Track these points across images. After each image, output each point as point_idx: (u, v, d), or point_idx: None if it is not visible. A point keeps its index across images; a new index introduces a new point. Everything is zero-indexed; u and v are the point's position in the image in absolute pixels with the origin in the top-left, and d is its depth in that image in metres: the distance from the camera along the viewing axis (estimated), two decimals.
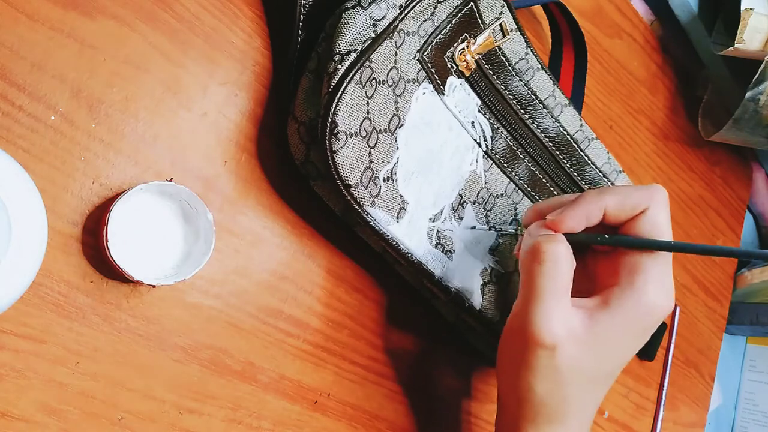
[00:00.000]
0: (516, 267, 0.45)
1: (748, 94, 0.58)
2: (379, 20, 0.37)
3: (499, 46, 0.43)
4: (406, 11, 0.38)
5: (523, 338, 0.36)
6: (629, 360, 0.38)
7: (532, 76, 0.45)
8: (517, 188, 0.45)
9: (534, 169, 0.45)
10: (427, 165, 0.40)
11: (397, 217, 0.38)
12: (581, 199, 0.37)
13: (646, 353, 0.61)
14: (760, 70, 0.57)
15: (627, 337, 0.36)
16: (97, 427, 0.34)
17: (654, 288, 0.36)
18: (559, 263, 0.36)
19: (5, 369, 0.32)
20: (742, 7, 0.56)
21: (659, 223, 0.37)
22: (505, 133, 0.44)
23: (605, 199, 0.37)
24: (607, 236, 0.37)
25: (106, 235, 0.32)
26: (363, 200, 0.37)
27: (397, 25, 0.37)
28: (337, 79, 0.35)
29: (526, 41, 0.45)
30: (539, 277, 0.35)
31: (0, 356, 0.31)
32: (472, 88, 0.42)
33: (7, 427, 0.31)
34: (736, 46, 0.57)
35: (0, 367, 0.31)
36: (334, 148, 0.35)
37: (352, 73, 0.35)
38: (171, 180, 0.36)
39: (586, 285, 0.39)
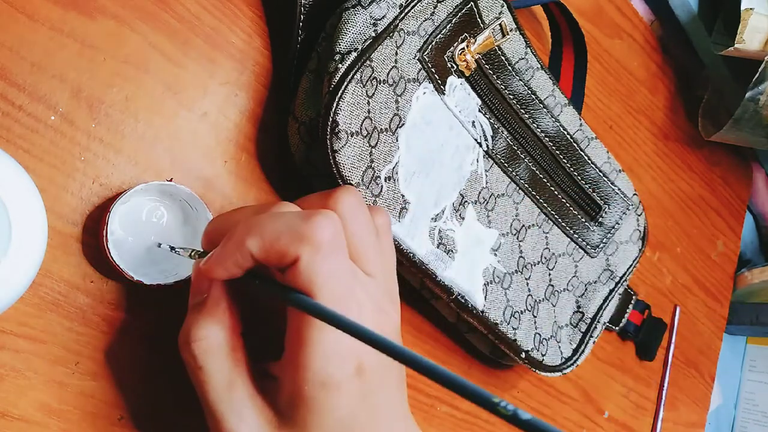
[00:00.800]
0: (519, 267, 0.45)
1: (748, 94, 0.58)
2: (380, 20, 0.37)
3: (499, 46, 0.43)
4: (407, 11, 0.38)
5: None
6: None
7: (532, 76, 0.45)
8: (518, 188, 0.45)
9: (534, 168, 0.45)
10: (428, 165, 0.40)
11: (399, 217, 0.38)
12: (226, 245, 0.29)
13: (646, 353, 0.61)
14: (760, 70, 0.57)
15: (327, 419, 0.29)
16: (97, 427, 0.34)
17: (324, 361, 0.28)
18: (215, 363, 0.29)
19: (5, 369, 0.31)
20: (742, 7, 0.56)
21: (312, 279, 0.28)
22: (506, 132, 0.44)
23: (248, 244, 0.29)
24: (258, 282, 0.30)
25: (106, 235, 0.32)
26: (364, 200, 0.37)
27: (398, 25, 0.37)
28: (337, 78, 0.35)
29: (525, 41, 0.45)
30: (206, 391, 0.30)
31: (0, 356, 0.31)
32: (473, 87, 0.42)
33: (7, 427, 0.31)
34: (736, 46, 0.57)
35: (0, 367, 0.31)
36: (335, 148, 0.35)
37: (353, 72, 0.35)
38: (171, 180, 0.36)
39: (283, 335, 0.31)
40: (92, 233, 0.34)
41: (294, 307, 0.28)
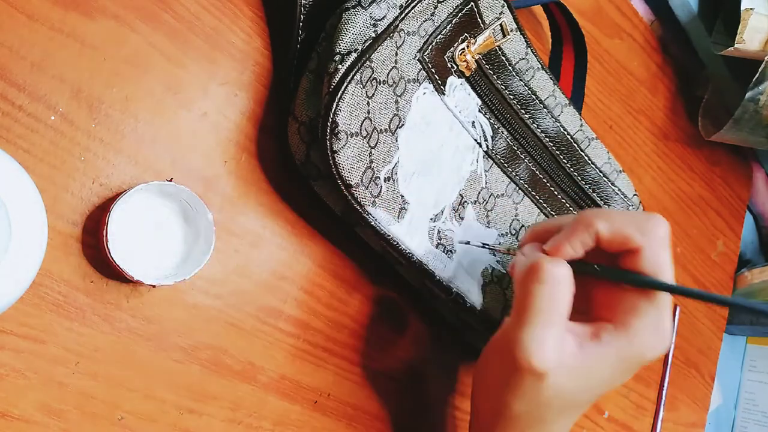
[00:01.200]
0: None
1: (748, 94, 0.58)
2: (380, 20, 0.37)
3: (499, 46, 0.43)
4: (407, 11, 0.38)
5: (510, 359, 0.34)
6: (611, 390, 0.37)
7: (533, 76, 0.45)
8: (517, 188, 0.45)
9: (534, 169, 0.45)
10: (427, 165, 0.40)
11: (398, 217, 0.38)
12: (575, 227, 0.36)
13: None
14: (760, 70, 0.57)
15: (614, 373, 0.36)
16: (97, 427, 0.34)
17: (649, 332, 0.35)
18: (560, 286, 0.34)
19: (5, 369, 0.32)
20: (742, 7, 0.56)
21: (659, 263, 0.35)
22: (506, 133, 0.44)
23: (597, 225, 0.35)
24: (602, 268, 0.36)
25: (106, 235, 0.32)
26: (364, 200, 0.37)
27: (398, 25, 0.37)
28: (337, 78, 0.35)
29: (526, 41, 0.45)
30: (538, 297, 0.34)
31: (0, 356, 0.31)
32: (473, 88, 0.42)
33: (7, 427, 0.31)
34: (736, 46, 0.57)
35: (0, 367, 0.31)
36: (334, 148, 0.35)
37: (353, 72, 0.35)
38: (171, 180, 0.36)
39: (581, 306, 0.37)
40: (92, 233, 0.34)
41: (636, 285, 0.35)
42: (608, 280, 0.36)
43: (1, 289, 0.28)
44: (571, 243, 0.35)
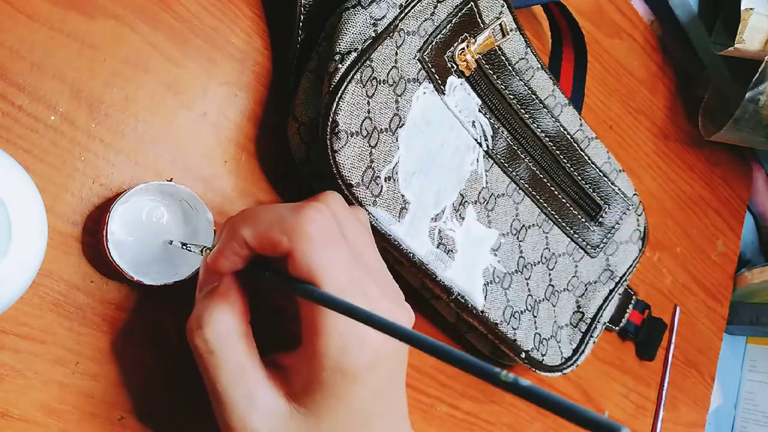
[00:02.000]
0: (519, 267, 0.45)
1: (748, 94, 0.58)
2: (380, 20, 0.37)
3: (499, 46, 0.43)
4: (406, 11, 0.38)
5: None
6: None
7: (532, 76, 0.45)
8: (518, 188, 0.45)
9: (535, 168, 0.45)
10: (427, 165, 0.40)
11: (399, 217, 0.38)
12: (225, 236, 0.30)
13: (646, 353, 0.61)
14: (760, 70, 0.57)
15: (341, 408, 0.29)
16: (97, 427, 0.34)
17: (342, 350, 0.28)
18: (228, 347, 0.29)
19: (5, 369, 0.31)
20: (742, 7, 0.56)
21: (313, 269, 0.28)
22: (506, 132, 0.44)
23: (242, 231, 0.30)
24: (272, 275, 0.30)
25: (106, 235, 0.32)
26: (364, 200, 0.37)
27: (398, 25, 0.37)
28: (337, 78, 0.35)
29: (526, 41, 0.45)
30: (216, 376, 0.30)
31: (0, 356, 0.31)
32: (473, 87, 0.42)
33: (7, 427, 0.31)
34: (736, 46, 0.57)
35: (0, 367, 0.31)
36: (335, 148, 0.35)
37: (353, 72, 0.35)
38: (171, 180, 0.36)
39: (294, 325, 0.32)
40: (92, 233, 0.34)
41: (301, 297, 0.29)
42: (282, 290, 0.31)
43: (1, 289, 0.28)
44: (225, 255, 0.30)
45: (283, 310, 0.33)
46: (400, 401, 0.32)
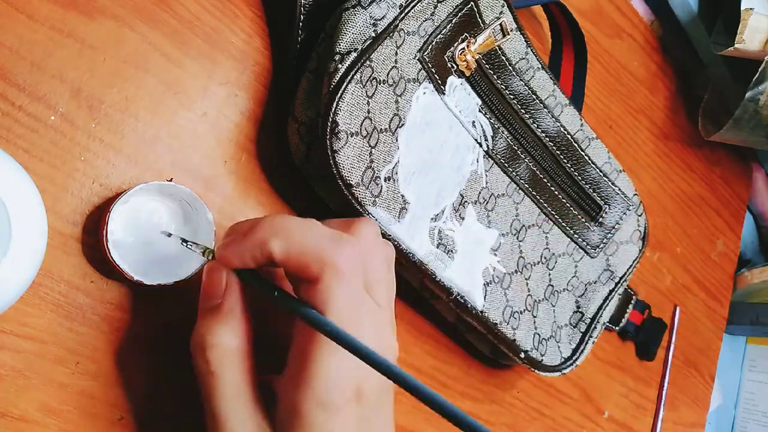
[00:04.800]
0: (519, 267, 0.45)
1: (748, 94, 0.58)
2: (380, 20, 0.37)
3: (499, 46, 0.43)
4: (406, 11, 0.38)
5: None
6: None
7: (533, 76, 0.45)
8: (518, 188, 0.45)
9: (535, 168, 0.45)
10: (427, 165, 0.40)
11: (399, 217, 0.38)
12: (250, 238, 0.30)
13: (646, 353, 0.61)
14: (760, 70, 0.57)
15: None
16: (97, 427, 0.34)
17: (328, 381, 0.28)
18: (228, 369, 0.30)
19: (5, 369, 0.31)
20: (742, 7, 0.56)
21: (329, 301, 0.29)
22: (506, 132, 0.44)
23: (272, 244, 0.29)
24: (280, 295, 0.30)
25: (106, 235, 0.32)
26: (364, 200, 0.37)
27: (398, 25, 0.37)
28: (337, 78, 0.35)
29: (526, 41, 0.45)
30: (214, 396, 0.30)
31: (0, 356, 0.31)
32: (473, 87, 0.42)
33: (7, 427, 0.31)
34: (736, 46, 0.57)
35: (0, 367, 0.31)
36: (335, 148, 0.35)
37: (353, 72, 0.35)
38: (171, 180, 0.36)
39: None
40: (92, 233, 0.34)
41: (307, 322, 0.29)
42: (285, 311, 0.31)
43: (1, 289, 0.28)
44: (240, 256, 0.30)
45: (282, 331, 0.33)
46: (388, 430, 0.32)
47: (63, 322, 0.33)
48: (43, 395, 0.32)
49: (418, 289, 0.44)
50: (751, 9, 0.56)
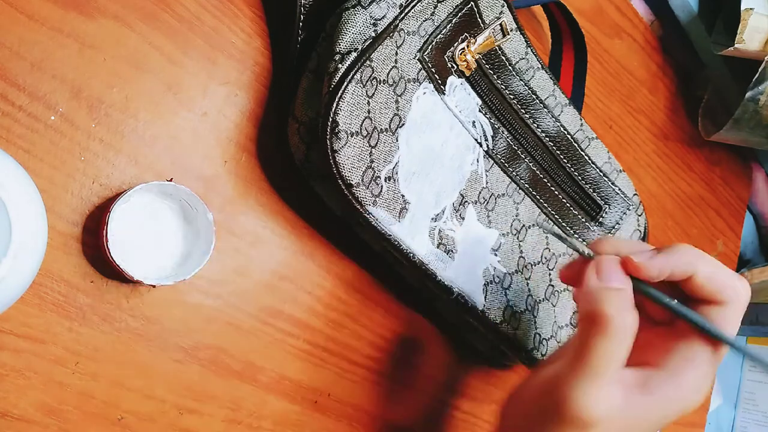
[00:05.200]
0: (519, 267, 0.45)
1: (748, 94, 0.58)
2: (380, 20, 0.37)
3: (499, 46, 0.43)
4: (407, 11, 0.38)
5: (555, 407, 0.33)
6: None
7: (533, 76, 0.45)
8: (518, 188, 0.45)
9: (535, 168, 0.45)
10: (428, 165, 0.40)
11: (399, 217, 0.38)
12: (676, 252, 0.34)
13: None
14: (760, 70, 0.57)
15: (656, 423, 0.34)
16: (97, 427, 0.34)
17: (699, 386, 0.34)
18: (625, 339, 0.32)
19: (5, 369, 0.31)
20: (742, 7, 0.56)
21: (733, 322, 0.34)
22: (506, 132, 0.44)
23: (698, 266, 0.34)
24: (679, 304, 0.34)
25: (106, 235, 0.32)
26: (364, 200, 0.37)
27: (398, 25, 0.37)
28: (337, 78, 0.35)
29: (526, 41, 0.45)
30: (600, 352, 0.32)
31: (0, 356, 0.31)
32: (473, 87, 0.42)
33: (7, 427, 0.31)
34: (736, 46, 0.57)
35: (0, 367, 0.31)
36: (335, 148, 0.35)
37: (353, 72, 0.35)
38: (171, 180, 0.36)
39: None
40: (92, 233, 0.34)
41: (717, 338, 0.34)
42: (683, 319, 0.34)
43: (1, 289, 0.28)
44: (661, 268, 0.34)
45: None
46: None
47: (63, 322, 0.33)
48: (43, 395, 0.32)
49: (418, 289, 0.44)
50: (751, 9, 0.56)
